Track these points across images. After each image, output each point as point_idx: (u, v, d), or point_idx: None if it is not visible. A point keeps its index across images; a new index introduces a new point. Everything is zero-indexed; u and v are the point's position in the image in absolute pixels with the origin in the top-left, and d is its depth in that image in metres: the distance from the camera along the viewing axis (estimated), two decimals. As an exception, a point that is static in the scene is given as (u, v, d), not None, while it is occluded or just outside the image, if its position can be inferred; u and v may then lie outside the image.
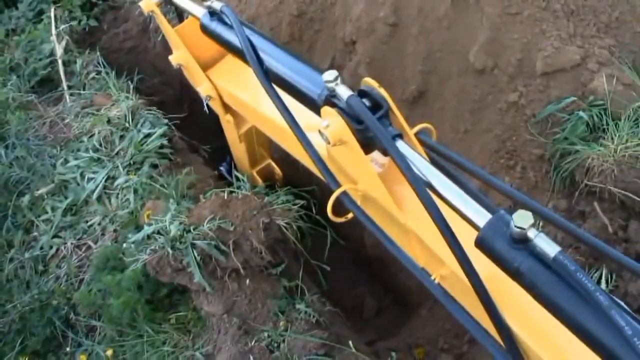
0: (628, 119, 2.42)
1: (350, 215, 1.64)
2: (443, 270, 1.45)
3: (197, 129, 3.83)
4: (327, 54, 3.60)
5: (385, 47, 3.23)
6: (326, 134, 1.45)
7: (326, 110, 1.48)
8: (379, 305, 3.68)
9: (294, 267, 2.96)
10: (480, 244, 1.15)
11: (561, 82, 2.68)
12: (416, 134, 1.59)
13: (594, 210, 2.35)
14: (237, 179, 3.06)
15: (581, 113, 2.51)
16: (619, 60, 2.78)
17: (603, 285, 2.19)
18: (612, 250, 1.26)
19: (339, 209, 1.59)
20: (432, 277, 1.46)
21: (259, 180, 3.21)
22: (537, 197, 2.67)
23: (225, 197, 2.81)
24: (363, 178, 1.57)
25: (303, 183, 3.11)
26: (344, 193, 1.54)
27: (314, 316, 2.72)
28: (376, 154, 1.58)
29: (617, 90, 2.52)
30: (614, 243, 2.27)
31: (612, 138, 2.39)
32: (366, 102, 1.46)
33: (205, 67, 2.56)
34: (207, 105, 2.64)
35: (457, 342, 2.89)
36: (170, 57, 2.58)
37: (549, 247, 1.04)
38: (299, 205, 2.91)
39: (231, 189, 2.92)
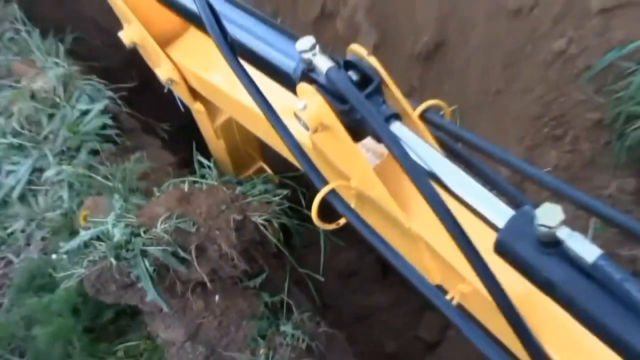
0: None
1: (342, 221, 1.64)
2: (463, 287, 1.45)
3: (153, 102, 3.72)
4: (315, -1, 3.64)
5: (390, -15, 3.24)
6: (303, 118, 1.47)
7: (302, 87, 1.48)
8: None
9: (278, 278, 2.94)
10: (500, 249, 1.14)
11: (625, 20, 2.60)
12: (422, 114, 1.59)
13: (672, 192, 2.34)
14: (201, 165, 3.03)
15: (653, 62, 2.49)
16: None
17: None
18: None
19: (330, 211, 1.58)
20: (450, 297, 1.46)
21: None
22: (596, 177, 2.64)
23: (186, 190, 2.80)
24: (355, 172, 1.58)
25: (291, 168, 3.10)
26: (333, 192, 1.53)
27: (303, 340, 2.71)
28: (374, 143, 1.59)
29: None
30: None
31: (693, 94, 2.34)
32: (353, 75, 1.47)
33: (165, 43, 2.54)
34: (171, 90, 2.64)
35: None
36: (120, 34, 2.56)
37: (587, 250, 1.02)
38: (281, 195, 2.88)
39: (194, 179, 2.90)
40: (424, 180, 1.22)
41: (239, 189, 2.84)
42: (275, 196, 2.87)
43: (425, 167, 1.37)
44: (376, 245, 1.42)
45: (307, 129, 1.49)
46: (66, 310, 2.72)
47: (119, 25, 2.64)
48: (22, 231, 3.20)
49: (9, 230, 3.23)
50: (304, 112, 1.46)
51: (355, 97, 1.35)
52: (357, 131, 1.49)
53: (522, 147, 2.79)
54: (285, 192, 2.94)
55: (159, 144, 3.69)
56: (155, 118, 3.85)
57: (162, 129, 3.85)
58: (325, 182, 1.52)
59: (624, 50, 2.54)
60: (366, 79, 1.46)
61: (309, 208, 1.54)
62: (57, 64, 3.71)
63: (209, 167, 2.99)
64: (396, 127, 1.42)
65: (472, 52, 2.98)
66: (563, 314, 1.09)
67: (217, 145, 2.99)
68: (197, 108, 2.72)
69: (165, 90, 2.65)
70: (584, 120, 2.67)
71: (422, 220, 1.48)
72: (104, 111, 3.43)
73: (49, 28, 4.11)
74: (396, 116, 1.44)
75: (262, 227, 2.73)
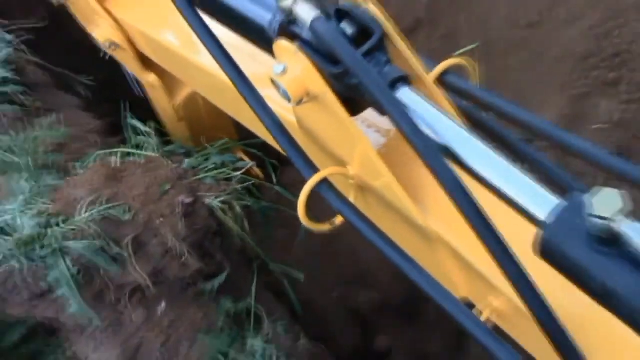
0: None
1: (338, 220, 1.65)
2: (496, 301, 1.47)
3: (69, 48, 3.74)
4: None
5: None
6: (283, 85, 1.43)
7: (281, 45, 1.46)
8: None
9: (243, 278, 2.98)
10: (541, 249, 1.14)
11: None
12: (441, 77, 1.62)
13: None
14: (136, 131, 2.99)
15: None
16: None
17: None
18: None
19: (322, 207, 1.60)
20: (479, 312, 1.49)
21: None
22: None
23: (117, 164, 2.80)
24: (354, 156, 1.58)
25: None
26: (325, 182, 1.55)
27: (278, 358, 2.75)
28: (377, 116, 1.59)
29: None
30: None
31: None
32: (347, 27, 1.46)
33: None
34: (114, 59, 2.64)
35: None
36: None
37: (656, 247, 0.98)
38: (244, 170, 2.92)
39: (127, 149, 2.89)
40: (441, 162, 1.22)
41: (187, 162, 2.83)
42: (236, 170, 2.90)
43: (446, 144, 1.36)
44: (383, 249, 1.47)
45: (289, 99, 1.46)
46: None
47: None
48: None
49: None
50: (284, 78, 1.44)
51: (349, 56, 1.33)
52: (354, 101, 1.48)
53: (564, 97, 2.79)
54: (248, 164, 2.98)
55: (78, 103, 3.65)
56: (73, 69, 3.76)
57: (83, 84, 3.77)
58: (314, 170, 1.52)
59: None
60: (365, 31, 1.44)
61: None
62: None
63: (147, 133, 2.96)
64: (404, 94, 1.41)
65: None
66: (626, 333, 1.07)
67: (177, 128, 3.01)
68: (150, 81, 2.73)
69: (107, 56, 2.60)
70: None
71: (441, 215, 1.48)
72: (4, 61, 3.30)
73: None
74: (404, 79, 1.42)
75: (219, 212, 2.75)
